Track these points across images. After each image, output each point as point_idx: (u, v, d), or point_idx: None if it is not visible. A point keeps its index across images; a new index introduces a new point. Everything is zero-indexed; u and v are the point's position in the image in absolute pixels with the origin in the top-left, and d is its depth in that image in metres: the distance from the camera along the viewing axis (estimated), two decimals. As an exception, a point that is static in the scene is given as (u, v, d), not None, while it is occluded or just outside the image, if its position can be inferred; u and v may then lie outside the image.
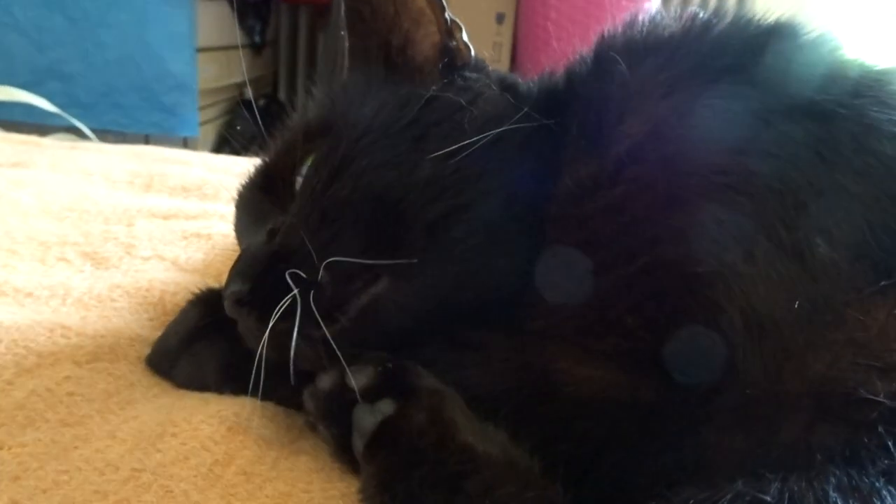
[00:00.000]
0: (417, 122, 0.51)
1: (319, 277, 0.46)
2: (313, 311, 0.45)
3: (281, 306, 0.45)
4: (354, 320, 0.47)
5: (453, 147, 0.48)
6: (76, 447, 0.45)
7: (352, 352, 0.45)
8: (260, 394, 0.48)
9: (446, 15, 0.57)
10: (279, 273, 0.47)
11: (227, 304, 0.49)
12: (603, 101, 0.49)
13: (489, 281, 0.50)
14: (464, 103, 0.52)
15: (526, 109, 0.52)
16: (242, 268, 0.49)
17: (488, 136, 0.49)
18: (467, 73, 0.56)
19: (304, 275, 0.46)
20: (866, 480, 0.30)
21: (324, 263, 0.46)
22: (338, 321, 0.47)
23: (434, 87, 0.53)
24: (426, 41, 0.57)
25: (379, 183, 0.49)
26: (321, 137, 0.53)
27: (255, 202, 0.57)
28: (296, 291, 0.45)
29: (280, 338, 0.45)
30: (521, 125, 0.50)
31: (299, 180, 0.53)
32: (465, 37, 0.58)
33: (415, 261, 0.47)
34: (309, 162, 0.52)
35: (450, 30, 0.57)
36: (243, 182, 0.60)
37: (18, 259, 0.71)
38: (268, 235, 0.50)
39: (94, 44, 2.10)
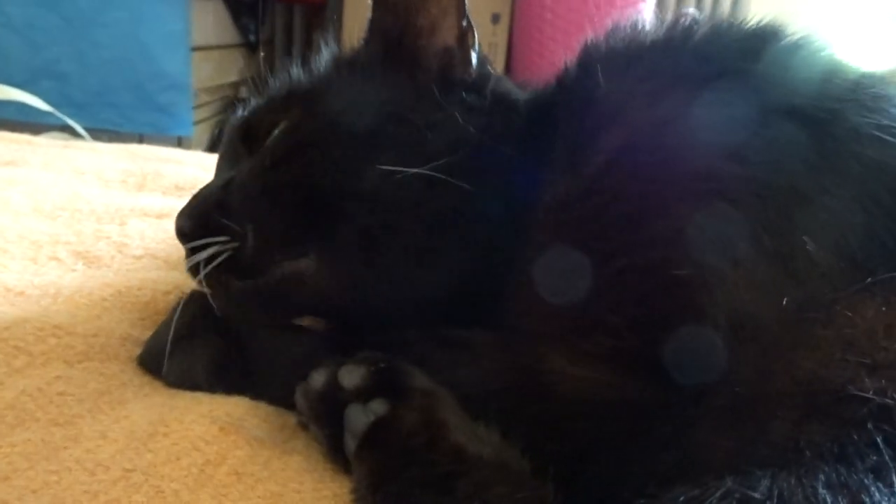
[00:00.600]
0: (382, 131, 0.53)
1: (247, 238, 0.51)
2: (236, 265, 0.51)
3: (203, 253, 0.51)
4: (270, 283, 0.51)
5: (394, 168, 0.50)
6: (66, 447, 0.45)
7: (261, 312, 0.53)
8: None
9: (464, 20, 0.57)
10: (216, 222, 0.52)
11: (175, 230, 0.55)
12: (585, 114, 0.49)
13: (418, 290, 0.52)
14: (427, 132, 0.52)
15: (492, 146, 0.52)
16: (193, 205, 0.55)
17: (420, 171, 0.50)
18: (457, 90, 0.56)
19: (235, 229, 0.51)
20: (855, 477, 0.31)
21: (260, 228, 0.51)
22: (255, 279, 0.51)
23: (415, 99, 0.54)
24: (450, 33, 0.57)
25: (326, 179, 0.52)
26: (298, 107, 0.56)
27: (232, 143, 0.60)
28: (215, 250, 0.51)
29: (209, 280, 0.52)
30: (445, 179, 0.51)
31: (268, 141, 0.55)
32: (473, 50, 0.58)
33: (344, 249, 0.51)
34: (280, 128, 0.55)
35: (463, 34, 0.57)
36: (232, 121, 0.63)
37: (10, 258, 0.71)
38: (224, 183, 0.55)
39: (89, 42, 2.09)
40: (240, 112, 0.63)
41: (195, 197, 0.56)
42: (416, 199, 0.51)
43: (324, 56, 0.62)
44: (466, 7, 0.57)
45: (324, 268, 0.51)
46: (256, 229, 0.51)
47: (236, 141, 0.59)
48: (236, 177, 0.54)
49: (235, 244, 0.51)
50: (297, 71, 0.62)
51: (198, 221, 0.53)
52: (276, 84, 0.62)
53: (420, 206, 0.51)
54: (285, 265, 0.51)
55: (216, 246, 0.51)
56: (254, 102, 0.62)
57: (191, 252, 0.53)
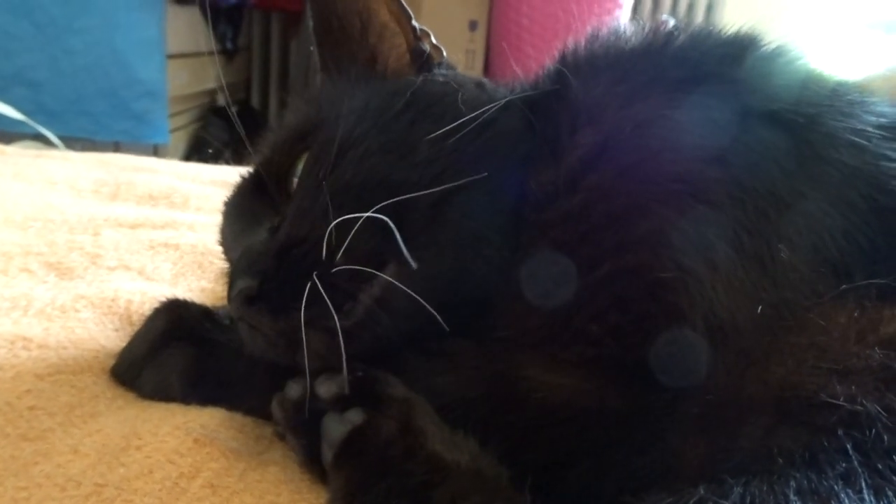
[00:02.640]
0: (410, 107, 0.51)
1: (336, 260, 0.45)
2: (332, 296, 0.44)
3: (306, 294, 0.43)
4: (369, 309, 0.45)
5: (452, 126, 0.48)
6: (37, 462, 0.44)
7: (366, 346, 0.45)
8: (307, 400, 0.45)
9: (413, 24, 0.57)
10: (291, 264, 0.46)
11: (234, 306, 0.47)
12: (560, 113, 0.49)
13: (485, 272, 0.48)
14: (454, 86, 0.52)
15: (511, 97, 0.52)
16: (247, 264, 0.47)
17: (488, 109, 0.49)
18: (443, 71, 0.57)
19: (318, 259, 0.45)
20: (825, 483, 0.31)
21: (339, 244, 0.45)
22: (353, 312, 0.45)
23: (419, 79, 0.54)
24: (392, 54, 0.57)
25: (379, 167, 0.48)
26: (313, 134, 0.52)
27: (245, 209, 0.56)
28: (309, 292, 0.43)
29: (294, 332, 0.44)
30: (510, 113, 0.51)
31: (294, 181, 0.52)
32: (433, 40, 0.59)
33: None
34: (303, 160, 0.52)
35: (419, 38, 0.58)
36: (231, 193, 0.59)
37: (-21, 270, 0.70)
38: (269, 233, 0.50)
39: (62, 50, 2.06)
40: (233, 188, 0.59)
41: (242, 259, 0.48)
42: (471, 154, 0.49)
43: (292, 101, 0.60)
44: (409, 13, 0.57)
45: (407, 267, 0.45)
46: (341, 244, 0.45)
47: (250, 203, 0.55)
48: (286, 218, 0.49)
49: (327, 275, 0.45)
50: (274, 124, 0.60)
51: (267, 276, 0.46)
52: (259, 143, 0.58)
53: (478, 161, 0.49)
54: (374, 283, 0.45)
55: (310, 287, 0.44)
56: (236, 171, 0.59)
57: (272, 309, 0.46)
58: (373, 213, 0.45)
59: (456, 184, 0.47)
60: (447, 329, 0.44)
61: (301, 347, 0.43)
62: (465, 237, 0.48)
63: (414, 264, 0.44)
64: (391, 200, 0.45)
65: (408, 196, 0.46)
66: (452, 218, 0.48)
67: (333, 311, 0.43)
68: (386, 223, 0.45)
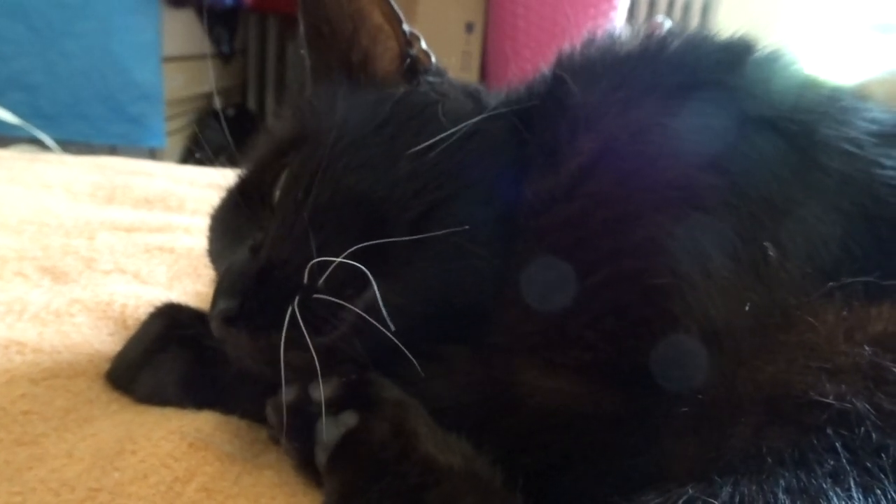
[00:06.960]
0: (390, 121, 0.51)
1: (317, 286, 0.45)
2: (311, 320, 0.44)
3: (287, 316, 0.44)
4: (352, 327, 0.45)
5: (432, 140, 0.48)
6: (31, 467, 0.44)
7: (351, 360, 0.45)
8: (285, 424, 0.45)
9: (404, 27, 0.57)
10: (271, 286, 0.46)
11: (214, 325, 0.47)
12: (558, 120, 0.49)
13: (472, 283, 0.49)
14: (435, 97, 0.52)
15: (496, 105, 0.52)
16: (228, 285, 0.47)
17: (467, 125, 0.49)
18: (430, 78, 0.57)
19: (298, 284, 0.45)
20: (814, 482, 0.31)
21: (320, 270, 0.45)
22: (335, 330, 0.46)
23: (401, 90, 0.54)
24: (385, 56, 0.57)
25: (359, 184, 0.48)
26: (294, 150, 0.52)
27: (230, 222, 0.56)
28: (294, 305, 0.44)
29: (273, 352, 0.44)
30: (494, 123, 0.51)
31: (277, 194, 0.52)
32: (423, 45, 0.58)
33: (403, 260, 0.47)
34: (285, 175, 0.52)
35: (409, 41, 0.58)
36: (216, 206, 0.59)
37: (-26, 274, 0.70)
38: (251, 251, 0.49)
39: (58, 53, 2.06)
40: (219, 200, 0.59)
41: (224, 279, 0.48)
42: (452, 168, 0.49)
43: (282, 111, 0.60)
44: (401, 17, 0.57)
45: (390, 284, 0.46)
46: (323, 267, 0.45)
47: (234, 217, 0.55)
48: (267, 236, 0.49)
49: (307, 300, 0.45)
50: (262, 133, 0.60)
51: (246, 298, 0.46)
52: (247, 153, 0.59)
53: (460, 174, 0.49)
54: (357, 301, 0.45)
55: (291, 308, 0.44)
56: (228, 179, 0.59)
57: (251, 330, 0.46)
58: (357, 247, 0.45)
59: (435, 198, 0.47)
60: (414, 361, 0.44)
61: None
62: (449, 250, 0.48)
63: (392, 327, 0.44)
64: (368, 243, 0.45)
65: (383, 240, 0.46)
66: (437, 233, 0.47)
67: (308, 339, 0.43)
68: (367, 244, 0.45)
